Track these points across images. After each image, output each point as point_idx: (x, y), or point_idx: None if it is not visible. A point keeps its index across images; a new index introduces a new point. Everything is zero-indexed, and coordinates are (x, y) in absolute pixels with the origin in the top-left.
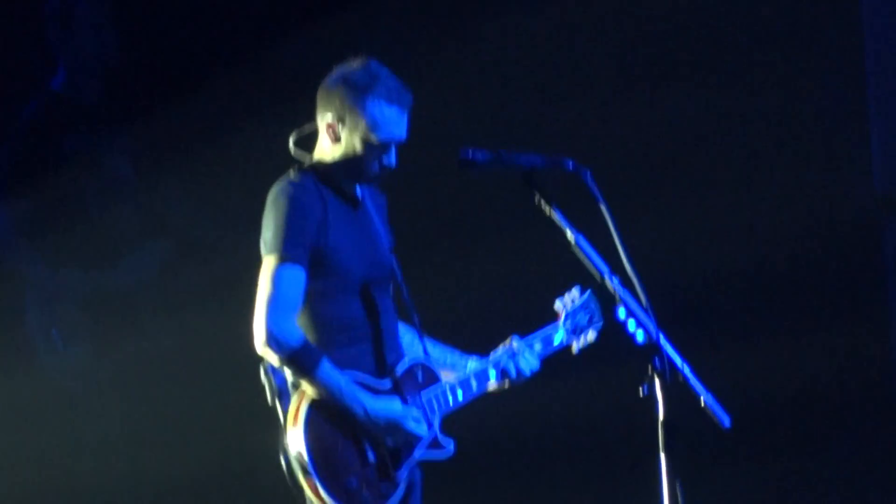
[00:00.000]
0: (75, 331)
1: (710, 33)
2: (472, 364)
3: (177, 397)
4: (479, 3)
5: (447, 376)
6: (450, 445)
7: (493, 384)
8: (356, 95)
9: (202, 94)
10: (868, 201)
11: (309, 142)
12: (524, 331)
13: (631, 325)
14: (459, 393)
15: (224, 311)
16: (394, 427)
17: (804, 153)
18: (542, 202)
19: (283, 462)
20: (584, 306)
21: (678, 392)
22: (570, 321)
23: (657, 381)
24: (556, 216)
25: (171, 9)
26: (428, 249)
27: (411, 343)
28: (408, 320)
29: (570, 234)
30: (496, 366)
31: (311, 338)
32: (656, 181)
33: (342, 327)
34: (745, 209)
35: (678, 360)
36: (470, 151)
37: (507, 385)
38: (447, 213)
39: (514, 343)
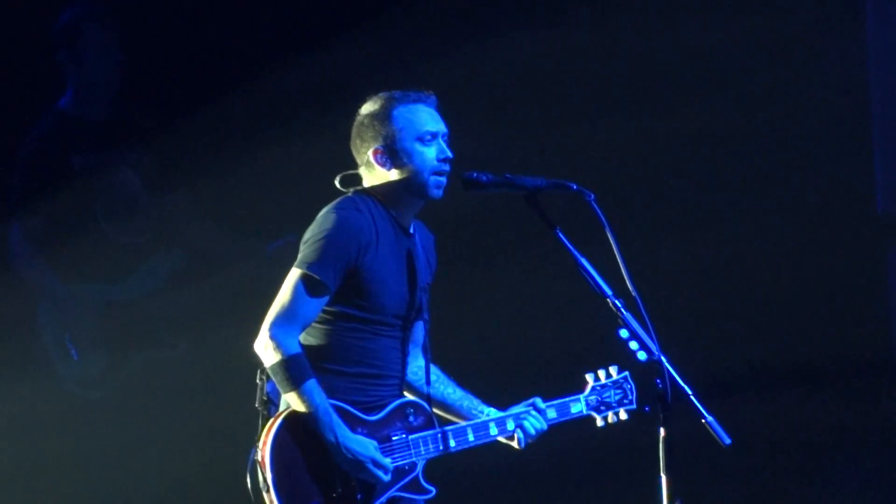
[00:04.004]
0: (89, 341)
1: (715, 52)
2: (489, 413)
3: (189, 405)
4: (483, 26)
5: (454, 420)
6: (432, 490)
7: (497, 436)
8: (385, 115)
9: (208, 109)
10: (871, 223)
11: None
12: (540, 389)
13: (633, 345)
14: (452, 441)
15: (233, 320)
16: (358, 465)
17: (807, 174)
18: (546, 225)
19: (248, 473)
20: (616, 384)
21: (680, 412)
22: (595, 395)
23: (659, 401)
24: (560, 239)
25: (176, 28)
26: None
27: (436, 381)
28: (426, 360)
29: (574, 257)
30: (505, 420)
31: (322, 356)
32: (660, 203)
33: (355, 355)
34: (747, 230)
35: (680, 380)
36: (475, 173)
37: (514, 441)
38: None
39: (537, 403)
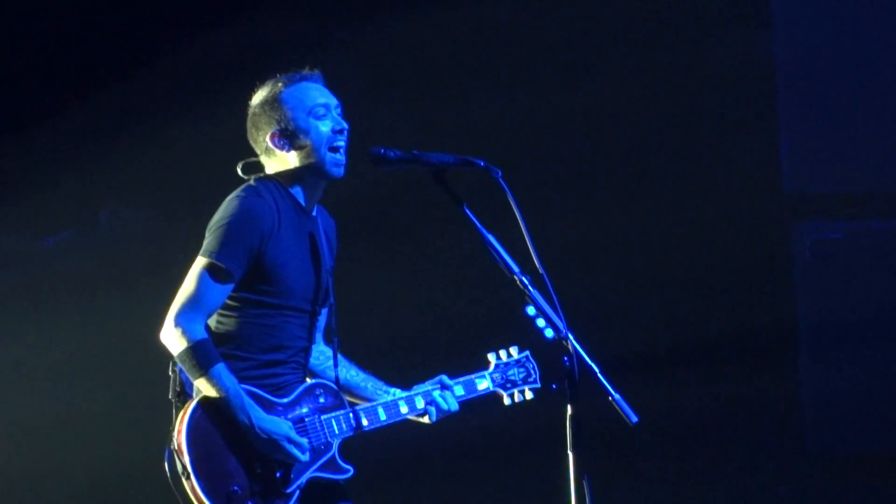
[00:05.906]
0: None
1: (622, 28)
2: (394, 393)
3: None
4: (388, 3)
5: (360, 402)
6: (349, 469)
7: (408, 414)
8: (274, 99)
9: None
10: (777, 202)
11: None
12: (445, 368)
13: (540, 322)
14: (364, 420)
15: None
16: (274, 445)
17: (715, 154)
18: (453, 202)
19: (166, 462)
20: (518, 363)
21: (587, 391)
22: (498, 373)
23: (566, 379)
24: (468, 215)
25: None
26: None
27: (339, 365)
28: (334, 343)
29: (481, 234)
30: (413, 399)
31: (232, 343)
32: (568, 181)
33: (264, 341)
34: (655, 209)
35: (587, 358)
36: (382, 149)
37: (424, 418)
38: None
39: (443, 380)
